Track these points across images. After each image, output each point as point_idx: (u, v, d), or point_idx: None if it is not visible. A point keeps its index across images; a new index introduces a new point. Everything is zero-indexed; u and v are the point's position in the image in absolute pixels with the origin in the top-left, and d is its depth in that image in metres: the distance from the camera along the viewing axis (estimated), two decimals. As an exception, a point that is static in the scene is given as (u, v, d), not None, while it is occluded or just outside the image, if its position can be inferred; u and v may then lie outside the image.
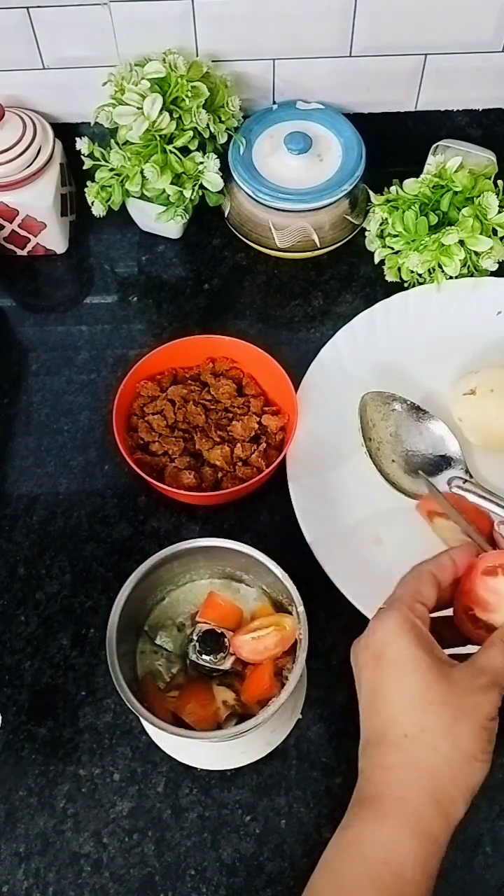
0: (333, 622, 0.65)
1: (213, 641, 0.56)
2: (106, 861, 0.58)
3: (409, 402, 0.72)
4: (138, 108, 0.74)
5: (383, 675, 0.47)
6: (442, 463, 0.71)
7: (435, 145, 0.84)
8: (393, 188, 0.80)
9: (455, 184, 0.77)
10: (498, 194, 0.77)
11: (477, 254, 0.77)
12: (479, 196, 0.77)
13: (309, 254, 0.83)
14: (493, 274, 0.79)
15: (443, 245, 0.76)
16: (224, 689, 0.57)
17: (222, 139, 0.80)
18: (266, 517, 0.71)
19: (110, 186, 0.78)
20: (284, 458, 0.69)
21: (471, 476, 0.70)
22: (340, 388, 0.74)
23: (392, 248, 0.79)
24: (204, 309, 0.83)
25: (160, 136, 0.75)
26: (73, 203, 0.87)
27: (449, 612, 0.51)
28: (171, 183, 0.76)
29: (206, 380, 0.74)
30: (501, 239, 0.77)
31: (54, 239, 0.85)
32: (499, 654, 0.47)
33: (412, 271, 0.78)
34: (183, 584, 0.62)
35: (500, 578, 0.48)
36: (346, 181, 0.79)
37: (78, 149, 0.79)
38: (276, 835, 0.58)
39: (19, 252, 0.86)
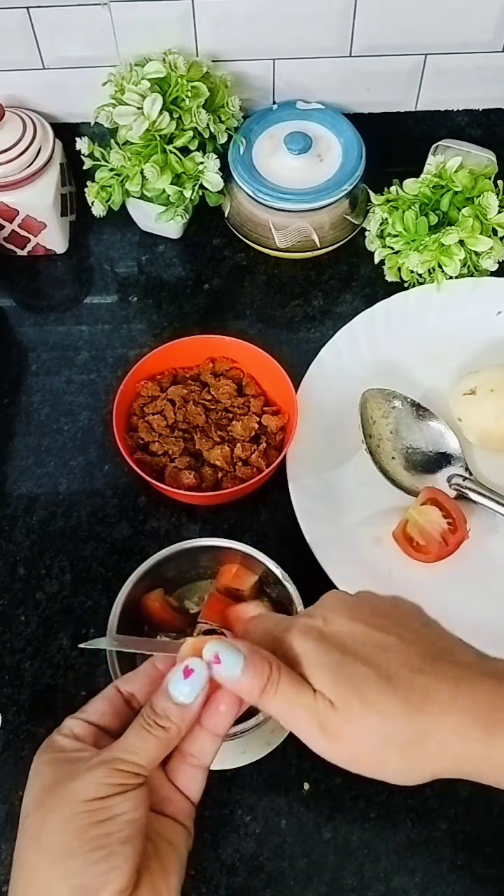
0: (333, 622, 0.65)
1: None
2: (106, 861, 0.58)
3: (409, 400, 0.72)
4: (138, 108, 0.74)
5: (26, 841, 0.40)
6: (442, 460, 0.71)
7: (435, 145, 0.84)
8: (393, 188, 0.80)
9: (455, 184, 0.77)
10: (498, 194, 0.77)
11: (477, 254, 0.77)
12: (479, 196, 0.77)
13: (309, 254, 0.83)
14: (493, 274, 0.79)
15: (443, 245, 0.76)
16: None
17: (222, 139, 0.80)
18: (266, 517, 0.71)
19: (110, 186, 0.78)
20: (284, 458, 0.69)
21: (470, 474, 0.70)
22: (340, 388, 0.74)
23: (392, 248, 0.79)
24: (204, 309, 0.83)
25: (160, 136, 0.75)
26: (73, 203, 0.87)
27: None
28: (171, 183, 0.76)
29: (206, 380, 0.74)
30: (501, 239, 0.77)
31: (54, 239, 0.85)
32: (131, 731, 0.41)
33: (412, 271, 0.78)
34: (183, 583, 0.62)
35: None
36: (346, 181, 0.79)
37: (78, 149, 0.79)
38: (276, 835, 0.58)
39: (19, 252, 0.86)
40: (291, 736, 0.60)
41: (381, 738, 0.40)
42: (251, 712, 0.55)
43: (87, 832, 0.37)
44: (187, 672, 0.41)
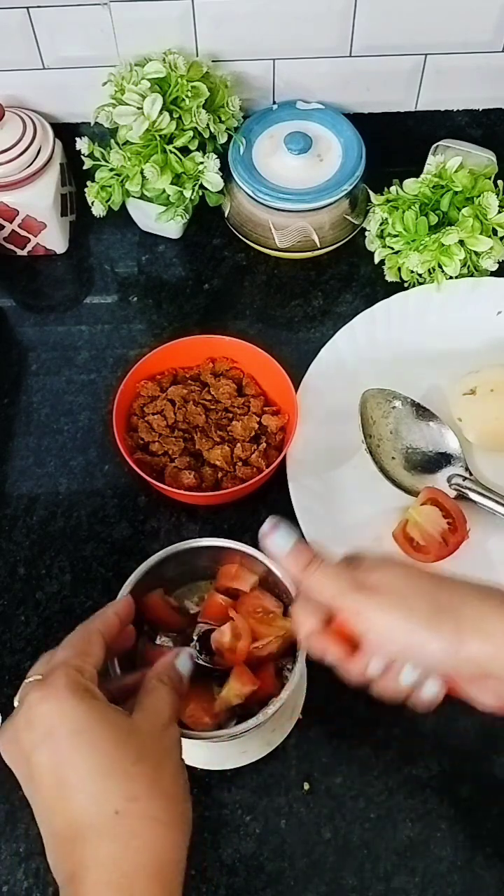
0: (333, 622, 0.65)
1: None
2: (106, 861, 0.58)
3: (409, 400, 0.73)
4: (138, 108, 0.74)
5: (64, 751, 0.40)
6: (441, 460, 0.71)
7: (435, 145, 0.84)
8: (393, 188, 0.80)
9: (455, 184, 0.77)
10: (498, 194, 0.77)
11: (477, 254, 0.77)
12: (479, 196, 0.77)
13: (309, 254, 0.83)
14: (493, 274, 0.79)
15: (443, 245, 0.76)
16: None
17: (222, 139, 0.80)
18: (266, 517, 0.71)
19: (110, 186, 0.78)
20: (284, 458, 0.69)
21: (470, 474, 0.70)
22: (340, 388, 0.74)
23: (392, 248, 0.79)
24: (204, 309, 0.83)
25: (160, 136, 0.75)
26: (73, 203, 0.87)
27: None
28: (171, 183, 0.76)
29: (206, 380, 0.74)
30: (501, 239, 0.77)
31: (54, 239, 0.85)
32: (163, 694, 0.46)
33: (412, 271, 0.78)
34: (183, 583, 0.62)
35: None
36: (346, 181, 0.79)
37: (78, 149, 0.79)
38: (276, 835, 0.58)
39: (19, 252, 0.86)
40: (291, 736, 0.60)
41: (415, 589, 0.45)
42: (251, 713, 0.55)
43: (187, 782, 0.44)
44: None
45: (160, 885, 0.39)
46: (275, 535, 0.48)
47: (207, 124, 0.77)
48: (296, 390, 0.71)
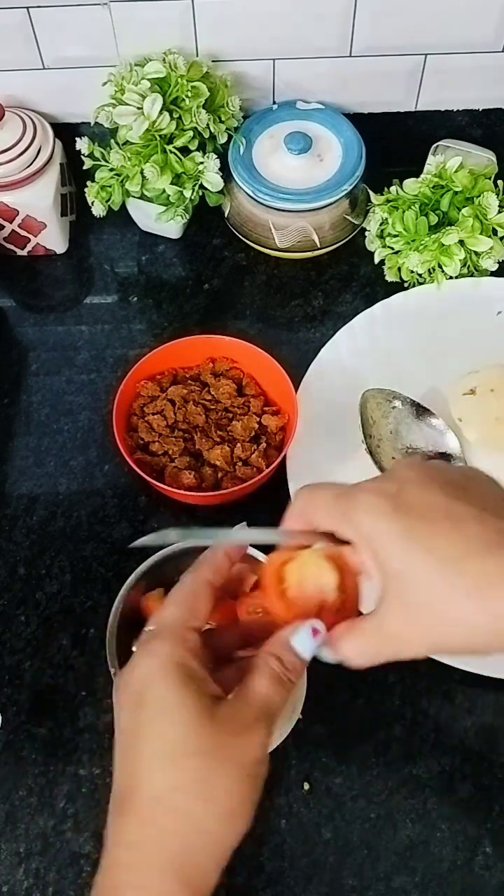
0: (333, 622, 0.64)
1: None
2: (106, 861, 0.58)
3: (409, 400, 0.72)
4: (138, 108, 0.74)
5: (142, 720, 0.40)
6: (442, 460, 0.71)
7: (435, 145, 0.84)
8: (393, 188, 0.80)
9: (455, 184, 0.77)
10: (498, 194, 0.77)
11: (477, 254, 0.77)
12: (479, 196, 0.77)
13: (309, 254, 0.83)
14: (493, 274, 0.79)
15: (443, 245, 0.76)
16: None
17: (222, 139, 0.80)
18: (266, 517, 0.71)
19: (110, 186, 0.78)
20: (284, 458, 0.69)
21: (471, 476, 0.70)
22: (340, 388, 0.74)
23: (392, 248, 0.79)
24: (204, 309, 0.83)
25: (160, 136, 0.75)
26: (73, 203, 0.87)
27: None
28: (171, 183, 0.76)
29: (206, 380, 0.74)
30: (501, 239, 0.77)
31: (54, 239, 0.85)
32: (265, 680, 0.41)
33: (412, 271, 0.78)
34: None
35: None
36: (346, 181, 0.79)
37: (78, 149, 0.79)
38: (277, 835, 0.58)
39: (19, 252, 0.86)
40: (291, 736, 0.60)
41: (465, 548, 0.37)
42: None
43: (254, 795, 0.40)
44: (315, 632, 0.42)
45: (179, 883, 0.38)
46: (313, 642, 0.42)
47: (207, 124, 0.77)
48: (296, 390, 0.71)
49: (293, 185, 0.80)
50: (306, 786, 0.60)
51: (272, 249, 0.83)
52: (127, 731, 0.41)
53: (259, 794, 0.40)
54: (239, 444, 0.70)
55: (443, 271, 0.77)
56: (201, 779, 0.38)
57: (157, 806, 0.39)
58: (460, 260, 0.76)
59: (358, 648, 0.41)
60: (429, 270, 0.78)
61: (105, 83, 0.77)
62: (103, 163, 0.78)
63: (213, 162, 0.77)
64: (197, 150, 0.78)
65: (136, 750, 0.40)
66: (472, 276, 0.79)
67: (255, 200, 0.80)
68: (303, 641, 0.42)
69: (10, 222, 0.82)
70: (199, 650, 0.42)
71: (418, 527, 0.38)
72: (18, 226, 0.82)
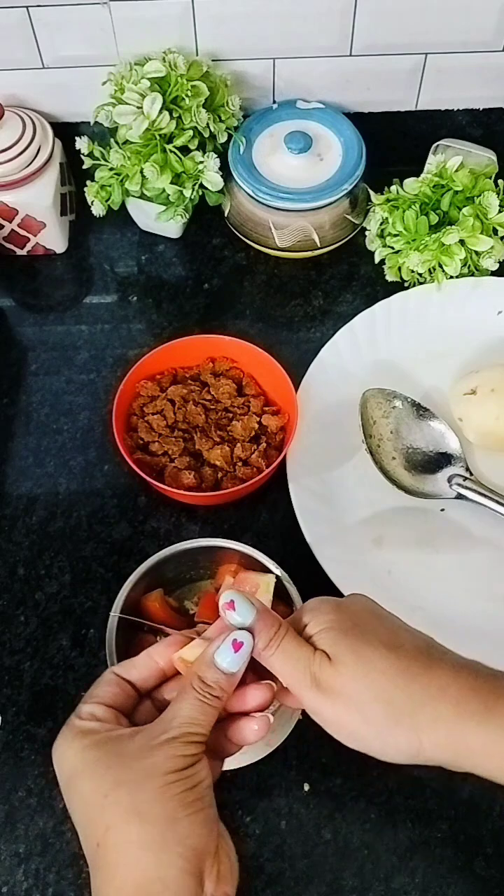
0: (333, 622, 0.64)
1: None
2: (106, 861, 0.58)
3: (409, 400, 0.72)
4: (138, 107, 0.74)
5: (66, 795, 0.42)
6: (442, 460, 0.71)
7: (435, 145, 0.84)
8: (393, 188, 0.80)
9: (455, 183, 0.77)
10: (498, 194, 0.77)
11: (477, 253, 0.77)
12: (479, 195, 0.77)
13: (309, 253, 0.83)
14: (493, 274, 0.79)
15: (443, 245, 0.75)
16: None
17: (222, 138, 0.80)
18: (266, 517, 0.71)
19: (110, 186, 0.78)
20: (284, 458, 0.69)
21: (471, 474, 0.70)
22: (340, 388, 0.74)
23: (392, 248, 0.79)
24: (204, 309, 0.83)
25: (160, 135, 0.75)
26: (72, 203, 0.87)
27: None
28: (171, 182, 0.76)
29: (206, 380, 0.74)
30: (502, 238, 0.77)
31: (54, 238, 0.85)
32: (184, 703, 0.42)
33: (412, 271, 0.78)
34: (183, 584, 0.62)
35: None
36: (346, 180, 0.79)
37: (78, 148, 0.78)
38: (276, 835, 0.58)
39: (19, 252, 0.86)
40: (291, 736, 0.60)
41: (371, 693, 0.42)
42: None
43: (186, 798, 0.40)
44: (237, 645, 0.44)
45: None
46: (233, 613, 0.44)
47: (207, 123, 0.77)
48: (296, 390, 0.71)
49: (293, 184, 0.80)
50: (306, 786, 0.60)
51: (272, 249, 0.83)
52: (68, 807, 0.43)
53: (196, 792, 0.40)
54: (239, 444, 0.70)
55: (443, 271, 0.77)
56: (126, 808, 0.39)
57: (101, 851, 0.40)
58: (461, 259, 0.76)
59: (288, 668, 0.44)
60: (429, 270, 0.78)
61: (105, 82, 0.77)
62: (103, 162, 0.78)
63: (212, 161, 0.77)
64: (197, 149, 0.78)
65: (74, 818, 0.42)
66: (472, 275, 0.79)
67: (255, 200, 0.80)
68: (224, 656, 0.44)
69: (10, 222, 0.82)
70: (96, 715, 0.44)
71: (353, 627, 0.45)
72: (18, 225, 0.82)
